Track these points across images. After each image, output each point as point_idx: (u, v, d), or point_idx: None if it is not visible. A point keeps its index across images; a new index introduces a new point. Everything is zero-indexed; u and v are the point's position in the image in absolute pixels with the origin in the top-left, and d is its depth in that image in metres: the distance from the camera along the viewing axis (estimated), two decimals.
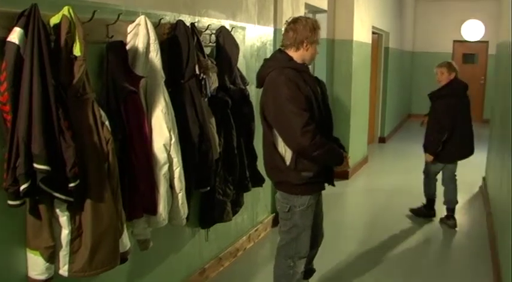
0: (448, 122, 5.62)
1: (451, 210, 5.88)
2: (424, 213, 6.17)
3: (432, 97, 5.90)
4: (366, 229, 5.84)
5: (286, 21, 3.41)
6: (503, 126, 5.23)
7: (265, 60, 3.51)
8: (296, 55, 3.31)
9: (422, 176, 6.18)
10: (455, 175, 5.89)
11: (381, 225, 5.87)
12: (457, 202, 5.90)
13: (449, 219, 5.85)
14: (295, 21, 3.33)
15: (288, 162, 3.26)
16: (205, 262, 4.22)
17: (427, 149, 5.87)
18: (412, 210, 6.28)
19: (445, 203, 5.93)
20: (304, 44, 3.29)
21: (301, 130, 3.08)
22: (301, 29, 3.27)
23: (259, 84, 3.44)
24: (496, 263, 4.37)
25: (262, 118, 3.36)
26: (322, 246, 3.84)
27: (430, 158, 5.84)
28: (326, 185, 3.51)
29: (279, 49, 3.45)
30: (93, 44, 2.70)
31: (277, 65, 3.29)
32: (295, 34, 3.28)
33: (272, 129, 3.28)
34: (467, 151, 5.85)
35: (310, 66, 3.55)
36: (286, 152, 3.26)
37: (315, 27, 3.32)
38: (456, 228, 5.78)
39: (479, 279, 4.46)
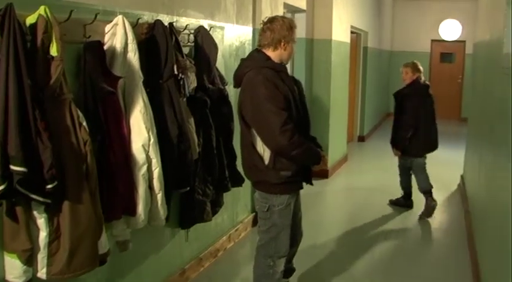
0: (412, 120, 5.92)
1: (428, 192, 6.07)
2: (402, 203, 6.47)
3: (397, 96, 6.19)
4: (345, 228, 5.85)
5: (263, 20, 3.40)
6: (480, 124, 5.29)
7: (242, 60, 3.52)
8: (274, 55, 3.31)
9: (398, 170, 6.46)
10: (425, 167, 6.12)
11: (360, 224, 5.90)
12: (431, 186, 6.08)
13: (428, 200, 6.06)
14: (271, 20, 3.33)
15: (266, 162, 3.27)
16: (186, 263, 4.20)
17: (394, 145, 6.21)
18: (391, 201, 6.58)
19: (420, 190, 6.16)
20: (282, 44, 3.30)
21: (280, 129, 3.09)
22: (279, 28, 3.28)
23: (236, 84, 3.44)
24: (475, 263, 4.41)
25: (240, 118, 3.36)
26: (302, 245, 3.86)
27: (398, 153, 6.16)
28: (305, 184, 3.52)
29: (256, 49, 3.45)
30: (70, 44, 2.67)
31: (254, 64, 3.29)
32: (272, 34, 3.28)
33: (250, 128, 3.28)
34: (431, 147, 6.16)
35: (288, 66, 3.56)
36: (264, 152, 3.27)
37: (291, 26, 3.34)
38: (435, 204, 6.05)
39: (458, 277, 4.50)
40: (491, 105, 4.24)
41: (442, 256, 5.06)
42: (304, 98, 3.53)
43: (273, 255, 3.46)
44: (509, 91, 3.18)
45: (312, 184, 3.58)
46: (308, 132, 3.49)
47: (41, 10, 2.37)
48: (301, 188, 3.52)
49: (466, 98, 13.81)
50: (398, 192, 6.50)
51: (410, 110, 5.94)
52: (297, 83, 3.48)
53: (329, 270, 4.57)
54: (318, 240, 5.24)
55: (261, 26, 3.38)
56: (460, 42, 14.92)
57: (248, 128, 3.30)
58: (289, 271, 3.84)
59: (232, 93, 4.36)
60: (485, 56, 5.34)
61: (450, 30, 15.01)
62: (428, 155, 6.14)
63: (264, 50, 3.34)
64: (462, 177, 7.44)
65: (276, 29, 3.28)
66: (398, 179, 6.43)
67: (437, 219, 6.14)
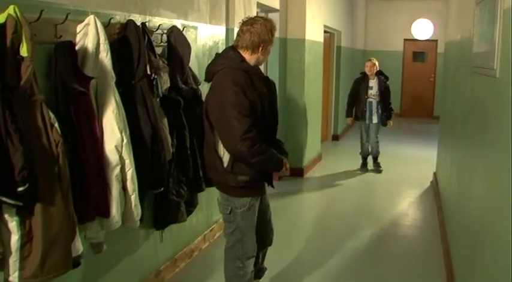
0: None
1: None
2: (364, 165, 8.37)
3: (385, 82, 8.14)
4: (319, 226, 5.88)
5: (242, 20, 3.34)
6: (452, 122, 5.36)
7: (217, 55, 3.45)
8: (250, 57, 3.26)
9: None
10: None
11: (335, 222, 5.94)
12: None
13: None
14: (253, 22, 3.25)
15: (225, 165, 3.23)
16: (161, 264, 4.18)
17: (391, 116, 8.15)
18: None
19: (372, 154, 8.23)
20: (260, 48, 3.25)
21: (241, 137, 3.03)
22: (259, 31, 3.21)
23: (207, 78, 3.39)
24: (448, 259, 4.46)
25: (206, 117, 3.31)
26: (275, 245, 3.86)
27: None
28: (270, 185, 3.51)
29: (232, 46, 3.37)
30: (41, 44, 2.64)
31: (228, 64, 3.22)
32: (252, 37, 3.21)
33: (214, 130, 3.25)
34: None
35: (262, 65, 3.52)
36: (224, 154, 3.23)
37: (272, 30, 3.28)
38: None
39: (431, 273, 4.54)
40: (462, 103, 4.29)
41: (416, 252, 5.10)
42: (276, 100, 3.46)
43: (241, 256, 3.45)
44: (480, 90, 3.23)
45: (273, 187, 3.53)
46: (274, 136, 3.46)
47: (10, 10, 2.33)
48: (263, 192, 3.49)
49: (438, 96, 13.97)
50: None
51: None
52: (270, 84, 3.39)
53: (303, 269, 4.58)
54: (292, 238, 5.26)
55: (240, 26, 3.30)
56: (432, 42, 15.14)
57: (212, 129, 3.26)
58: (260, 271, 3.85)
59: (206, 93, 4.35)
60: (455, 55, 5.41)
61: (422, 29, 15.23)
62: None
63: (240, 51, 3.27)
64: (435, 174, 7.53)
65: (257, 33, 3.21)
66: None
67: (410, 216, 6.21)
